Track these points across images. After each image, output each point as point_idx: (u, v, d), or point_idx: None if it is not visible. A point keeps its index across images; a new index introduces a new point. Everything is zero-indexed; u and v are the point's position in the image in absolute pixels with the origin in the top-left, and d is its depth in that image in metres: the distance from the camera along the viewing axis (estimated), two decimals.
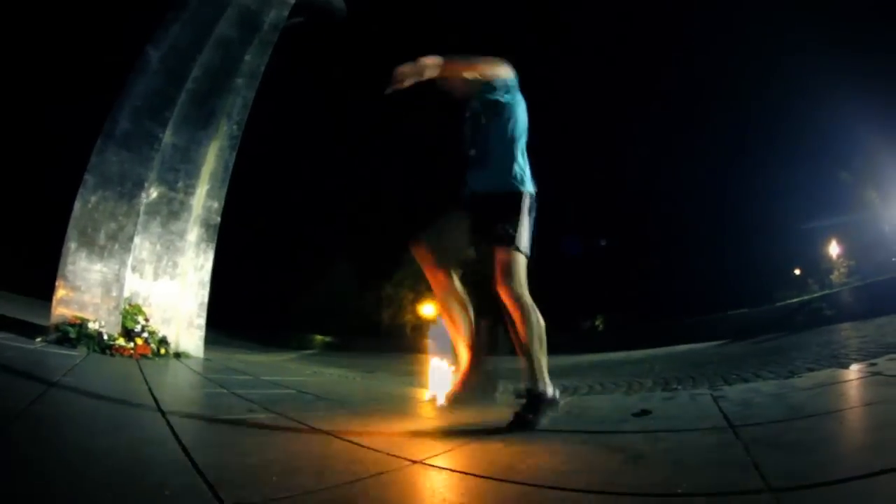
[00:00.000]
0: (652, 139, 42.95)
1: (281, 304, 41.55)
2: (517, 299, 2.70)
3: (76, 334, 5.73)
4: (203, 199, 7.82)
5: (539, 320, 2.70)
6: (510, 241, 2.72)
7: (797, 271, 34.77)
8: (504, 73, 2.85)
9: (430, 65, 2.60)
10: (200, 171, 7.74)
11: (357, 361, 12.97)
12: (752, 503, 1.36)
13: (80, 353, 5.35)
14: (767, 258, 34.65)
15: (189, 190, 7.60)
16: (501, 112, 2.86)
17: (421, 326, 36.28)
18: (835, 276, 29.93)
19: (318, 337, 34.56)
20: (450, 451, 2.16)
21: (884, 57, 30.14)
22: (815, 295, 21.79)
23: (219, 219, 8.04)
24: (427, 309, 35.52)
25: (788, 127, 35.85)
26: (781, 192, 34.33)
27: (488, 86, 2.83)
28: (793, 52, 36.57)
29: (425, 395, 4.57)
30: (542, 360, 2.66)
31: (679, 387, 4.49)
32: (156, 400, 3.13)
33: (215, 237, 7.98)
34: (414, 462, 1.93)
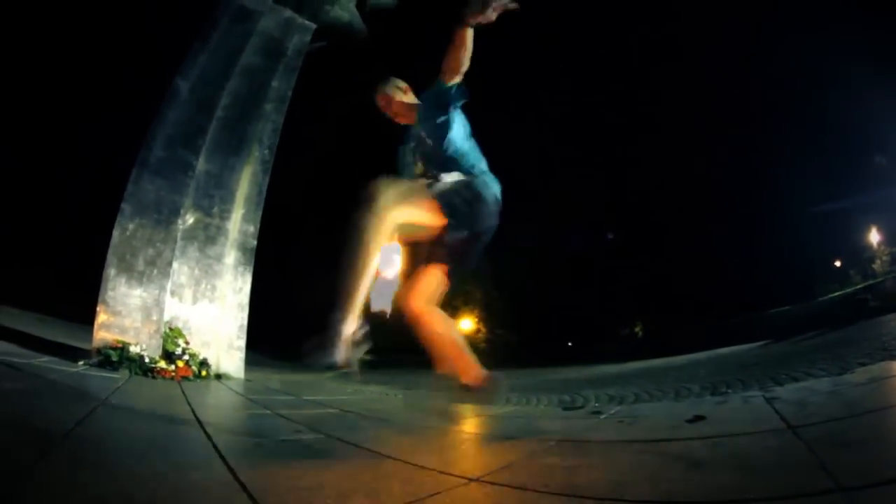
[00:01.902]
0: (678, 132, 42.03)
1: (317, 321, 41.79)
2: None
3: (118, 357, 5.84)
4: (239, 223, 8.00)
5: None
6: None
7: (837, 263, 33.74)
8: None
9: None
10: (235, 196, 7.94)
11: (395, 377, 12.92)
12: None
13: (122, 375, 5.43)
14: (805, 252, 33.68)
15: (224, 215, 7.80)
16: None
17: None
18: (877, 266, 28.90)
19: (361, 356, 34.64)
20: (505, 467, 2.11)
21: None
22: (859, 286, 21.15)
23: (255, 242, 8.19)
24: (464, 324, 35.56)
25: (818, 114, 34.77)
26: (816, 183, 33.28)
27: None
28: (815, 26, 35.41)
29: (469, 409, 4.52)
30: None
31: (729, 390, 4.37)
32: (200, 422, 3.15)
33: (252, 260, 8.14)
34: (471, 480, 1.89)
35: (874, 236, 30.41)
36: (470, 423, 3.67)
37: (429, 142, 3.01)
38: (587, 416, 3.53)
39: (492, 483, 1.87)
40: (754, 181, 37.40)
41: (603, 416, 2.75)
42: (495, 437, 2.60)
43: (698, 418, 2.65)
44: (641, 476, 1.78)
